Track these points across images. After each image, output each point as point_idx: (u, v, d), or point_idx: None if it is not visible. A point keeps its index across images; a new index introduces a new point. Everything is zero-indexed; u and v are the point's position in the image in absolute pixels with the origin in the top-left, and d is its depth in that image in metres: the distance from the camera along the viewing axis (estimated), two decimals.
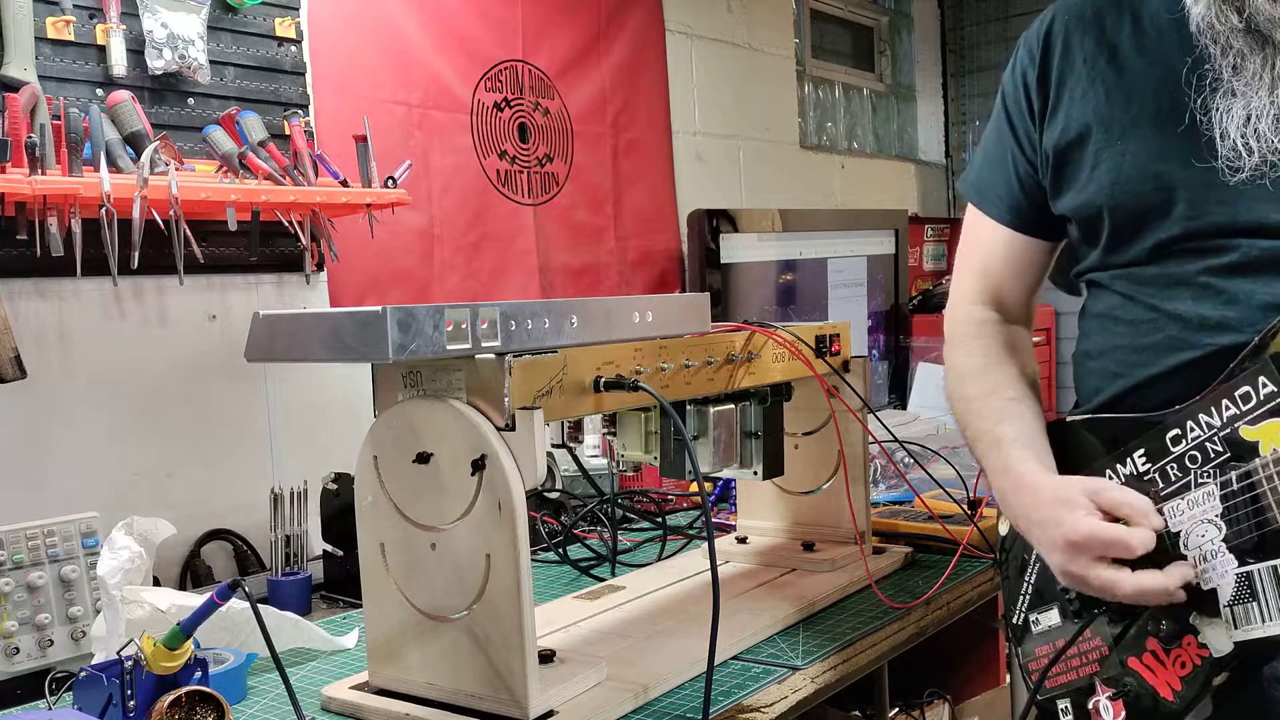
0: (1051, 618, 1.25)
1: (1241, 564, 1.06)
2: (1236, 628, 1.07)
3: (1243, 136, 1.09)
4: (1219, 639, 1.08)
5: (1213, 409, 1.09)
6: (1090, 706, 1.20)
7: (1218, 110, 1.10)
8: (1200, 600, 1.09)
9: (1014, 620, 1.31)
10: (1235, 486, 1.07)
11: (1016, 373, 1.30)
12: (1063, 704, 1.23)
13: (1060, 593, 1.22)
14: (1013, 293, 1.36)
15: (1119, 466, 1.18)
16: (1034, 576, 1.28)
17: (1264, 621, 1.05)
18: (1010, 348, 1.33)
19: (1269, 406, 1.05)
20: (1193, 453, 1.11)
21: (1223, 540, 1.08)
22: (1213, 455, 1.09)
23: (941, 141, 4.67)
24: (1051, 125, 1.24)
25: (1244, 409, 1.07)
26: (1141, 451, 1.15)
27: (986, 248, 1.36)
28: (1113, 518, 1.11)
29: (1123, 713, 1.16)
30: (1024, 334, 1.37)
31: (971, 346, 1.33)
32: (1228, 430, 1.08)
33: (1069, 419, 1.26)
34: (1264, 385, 1.05)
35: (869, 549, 1.79)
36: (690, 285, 3.00)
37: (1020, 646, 1.30)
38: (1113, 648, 1.17)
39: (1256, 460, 1.05)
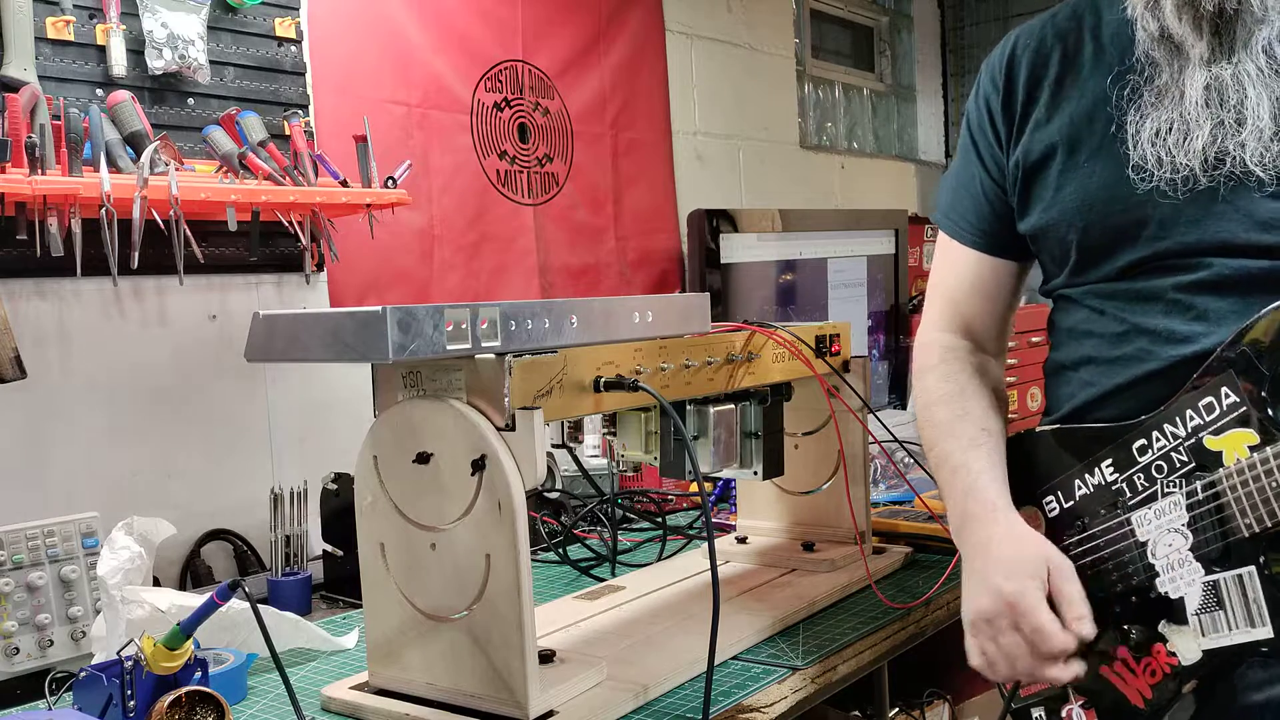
0: None
1: (1208, 572, 1.08)
2: (1204, 635, 1.08)
3: (1153, 146, 1.10)
4: (1188, 647, 1.09)
5: (1177, 419, 1.10)
6: (1064, 714, 1.21)
7: (1131, 122, 1.12)
8: (1169, 608, 1.10)
9: None
10: (1200, 496, 1.08)
11: (987, 405, 1.29)
12: (1037, 712, 1.25)
13: None
14: (982, 319, 1.34)
15: (1087, 476, 1.18)
16: None
17: (1230, 629, 1.06)
18: (981, 375, 1.32)
19: (1232, 417, 1.06)
20: (1159, 463, 1.12)
21: (1190, 549, 1.09)
22: (1178, 465, 1.10)
23: (941, 141, 4.66)
24: (1017, 147, 1.24)
25: (1207, 419, 1.08)
26: (1109, 461, 1.16)
27: (956, 275, 1.34)
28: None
29: None
30: (994, 364, 1.36)
31: (941, 372, 1.31)
32: (1192, 440, 1.09)
33: (1038, 429, 1.26)
34: (1226, 396, 1.06)
35: (869, 549, 1.79)
36: (690, 285, 2.99)
37: None
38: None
39: (1220, 470, 1.07)
